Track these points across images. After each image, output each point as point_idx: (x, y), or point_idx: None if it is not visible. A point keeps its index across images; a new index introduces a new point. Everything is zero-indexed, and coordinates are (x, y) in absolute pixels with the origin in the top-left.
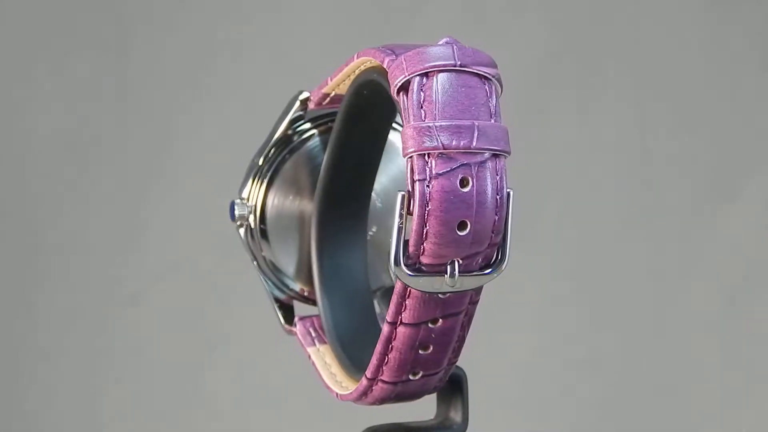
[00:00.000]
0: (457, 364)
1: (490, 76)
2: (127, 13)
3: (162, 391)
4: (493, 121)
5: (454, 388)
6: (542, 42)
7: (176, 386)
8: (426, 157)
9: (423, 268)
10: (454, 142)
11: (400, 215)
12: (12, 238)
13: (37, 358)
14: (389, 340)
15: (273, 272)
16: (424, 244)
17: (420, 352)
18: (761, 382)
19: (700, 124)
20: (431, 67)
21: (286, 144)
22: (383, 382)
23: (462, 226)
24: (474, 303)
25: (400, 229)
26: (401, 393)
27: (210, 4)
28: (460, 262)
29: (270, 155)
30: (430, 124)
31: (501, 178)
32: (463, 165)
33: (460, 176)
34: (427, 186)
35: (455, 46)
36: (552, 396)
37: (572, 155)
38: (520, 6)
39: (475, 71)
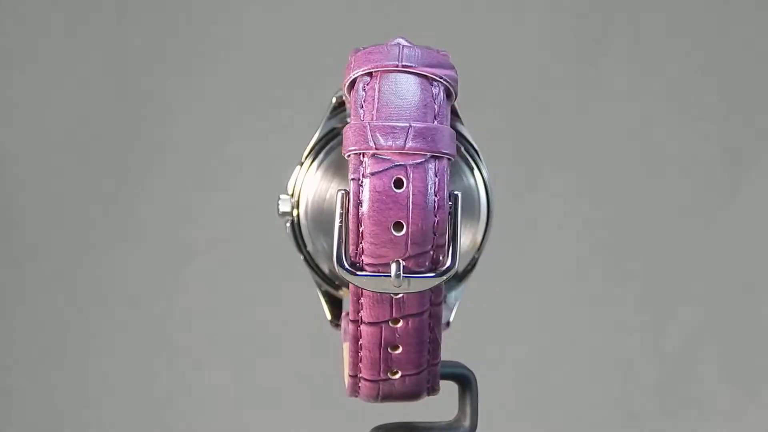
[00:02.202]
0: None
1: (437, 78)
2: (127, 13)
3: (162, 391)
4: (435, 122)
5: (464, 391)
6: (542, 41)
7: (177, 387)
8: (361, 156)
9: (366, 267)
10: (386, 143)
11: (340, 214)
12: (10, 238)
13: (36, 358)
14: (356, 338)
15: (319, 266)
16: (363, 244)
17: (390, 351)
18: (761, 382)
19: (701, 123)
20: (375, 68)
21: (330, 140)
22: (364, 379)
23: (397, 226)
24: (436, 304)
25: (340, 228)
26: (389, 392)
27: (210, 3)
28: (403, 263)
29: (314, 150)
30: (366, 124)
31: (441, 179)
32: (396, 166)
33: (393, 177)
34: (360, 185)
35: (403, 47)
36: (552, 396)
37: (572, 155)
38: (521, 5)
39: (419, 72)
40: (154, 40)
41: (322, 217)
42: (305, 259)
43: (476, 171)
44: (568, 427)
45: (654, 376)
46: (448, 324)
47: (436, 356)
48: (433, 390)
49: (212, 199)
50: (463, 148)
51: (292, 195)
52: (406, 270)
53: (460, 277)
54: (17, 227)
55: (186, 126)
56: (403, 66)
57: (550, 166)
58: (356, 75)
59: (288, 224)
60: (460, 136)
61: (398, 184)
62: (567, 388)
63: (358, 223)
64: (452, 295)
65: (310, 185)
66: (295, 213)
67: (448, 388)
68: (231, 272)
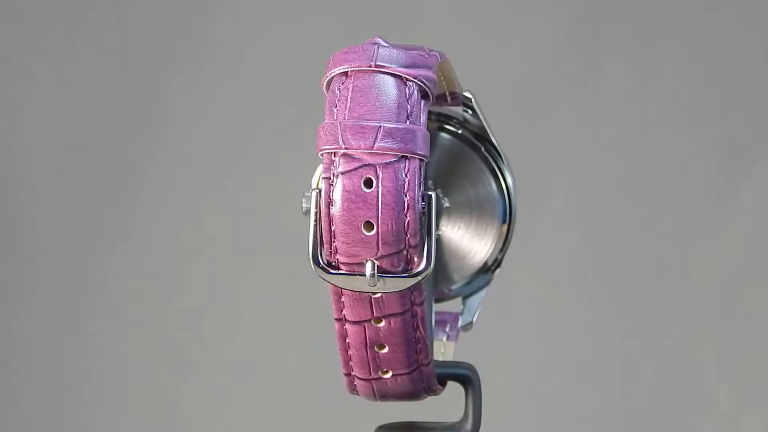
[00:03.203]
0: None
1: (411, 78)
2: (127, 13)
3: (162, 391)
4: (408, 123)
5: (465, 391)
6: (542, 41)
7: (177, 387)
8: (333, 155)
9: (342, 266)
10: (356, 143)
11: (315, 213)
12: (11, 237)
13: (36, 358)
14: (343, 337)
15: None
16: (335, 243)
17: (377, 350)
18: (762, 383)
19: (701, 123)
20: (349, 67)
21: None
22: (358, 378)
23: (368, 226)
24: (418, 304)
25: (315, 227)
26: (384, 391)
27: (209, 3)
28: (377, 262)
29: None
30: (338, 123)
31: (412, 180)
32: (366, 165)
33: (363, 176)
34: (332, 185)
35: (378, 47)
36: (552, 396)
37: (572, 155)
38: (521, 5)
39: (393, 72)
40: (154, 39)
41: None
42: None
43: (500, 177)
44: (567, 427)
45: (654, 376)
46: (471, 325)
47: (426, 356)
48: (431, 390)
49: (212, 198)
50: (487, 154)
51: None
52: (381, 270)
53: (480, 284)
54: (18, 227)
55: (187, 126)
56: (377, 66)
57: (551, 166)
58: (332, 75)
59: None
60: (484, 141)
61: (368, 183)
62: (566, 387)
63: (330, 222)
64: (475, 299)
65: None
66: None
67: (459, 388)
68: (231, 272)
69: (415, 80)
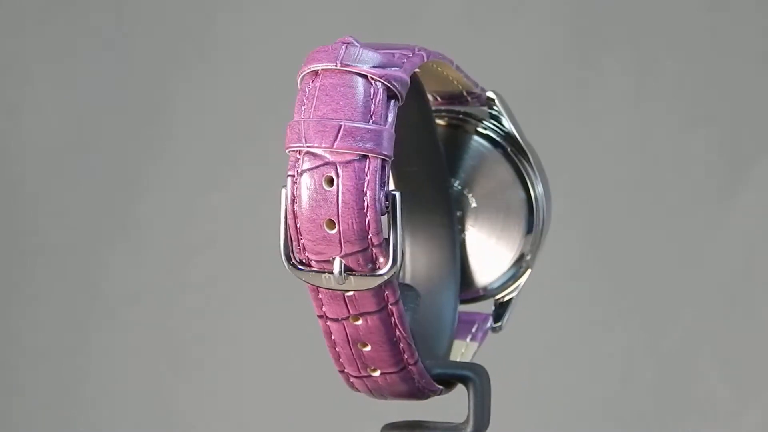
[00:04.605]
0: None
1: (376, 78)
2: (127, 13)
3: (163, 390)
4: (371, 122)
5: (467, 392)
6: (543, 40)
7: (178, 386)
8: (298, 153)
9: (313, 264)
10: (317, 141)
11: (284, 210)
12: (11, 237)
13: (36, 357)
14: (328, 333)
15: None
16: (302, 240)
17: (360, 348)
18: (762, 383)
19: (700, 123)
20: (316, 66)
21: None
22: (350, 375)
23: (330, 224)
24: (393, 303)
25: (285, 224)
26: (379, 389)
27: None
28: (344, 261)
29: None
30: (302, 122)
31: (372, 179)
32: (327, 163)
33: (324, 174)
34: (295, 182)
35: (347, 46)
36: (552, 396)
37: (572, 155)
38: (521, 5)
39: (358, 72)
40: (155, 39)
41: None
42: None
43: (526, 179)
44: (568, 427)
45: (654, 376)
46: (500, 327)
47: (412, 355)
48: (428, 389)
49: (212, 198)
50: (514, 156)
51: None
52: (347, 268)
53: (510, 286)
54: (18, 227)
55: (188, 125)
56: (343, 65)
57: (550, 166)
58: (303, 74)
59: None
60: (513, 143)
61: (329, 182)
62: (566, 387)
63: (296, 219)
64: (505, 301)
65: None
66: None
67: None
68: (231, 272)
69: (381, 80)
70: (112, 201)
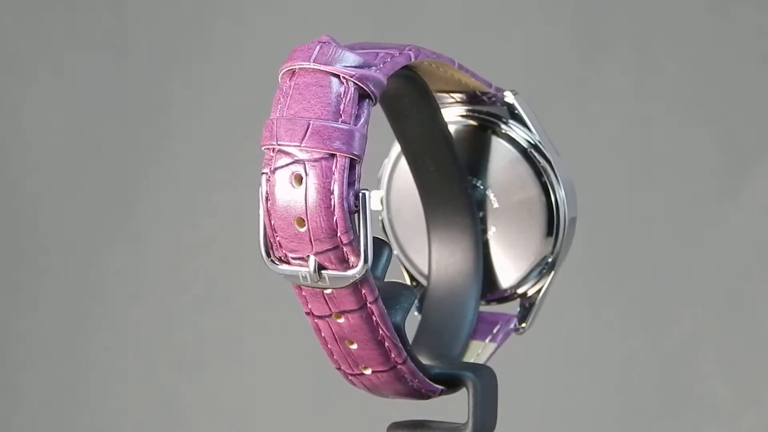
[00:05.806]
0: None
1: (348, 77)
2: (127, 13)
3: (163, 390)
4: (340, 121)
5: (467, 393)
6: (543, 40)
7: (178, 386)
8: (272, 151)
9: (291, 261)
10: (287, 139)
11: (261, 208)
12: (11, 237)
13: (36, 357)
14: (317, 330)
15: (409, 263)
16: (277, 237)
17: (348, 345)
18: (762, 383)
19: (701, 122)
20: (292, 65)
21: None
22: (346, 372)
23: (300, 222)
24: (372, 302)
25: (263, 221)
26: (374, 386)
27: (210, 3)
28: (316, 258)
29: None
30: (275, 120)
31: (340, 177)
32: (296, 161)
33: (293, 173)
34: (269, 180)
35: (321, 45)
36: (552, 395)
37: (571, 155)
38: (521, 5)
39: (330, 71)
40: (155, 39)
41: (402, 216)
42: (396, 255)
43: (549, 187)
44: (568, 427)
45: (654, 376)
46: (523, 329)
47: (399, 354)
48: (425, 389)
49: (212, 198)
50: (535, 158)
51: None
52: (320, 266)
53: (535, 287)
54: (18, 227)
55: (188, 125)
56: (316, 64)
57: None
58: (282, 72)
59: (379, 219)
60: (530, 145)
61: (298, 179)
62: (566, 387)
63: (270, 217)
64: (530, 303)
65: (389, 183)
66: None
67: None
68: (231, 272)
69: (353, 79)
70: (112, 201)
